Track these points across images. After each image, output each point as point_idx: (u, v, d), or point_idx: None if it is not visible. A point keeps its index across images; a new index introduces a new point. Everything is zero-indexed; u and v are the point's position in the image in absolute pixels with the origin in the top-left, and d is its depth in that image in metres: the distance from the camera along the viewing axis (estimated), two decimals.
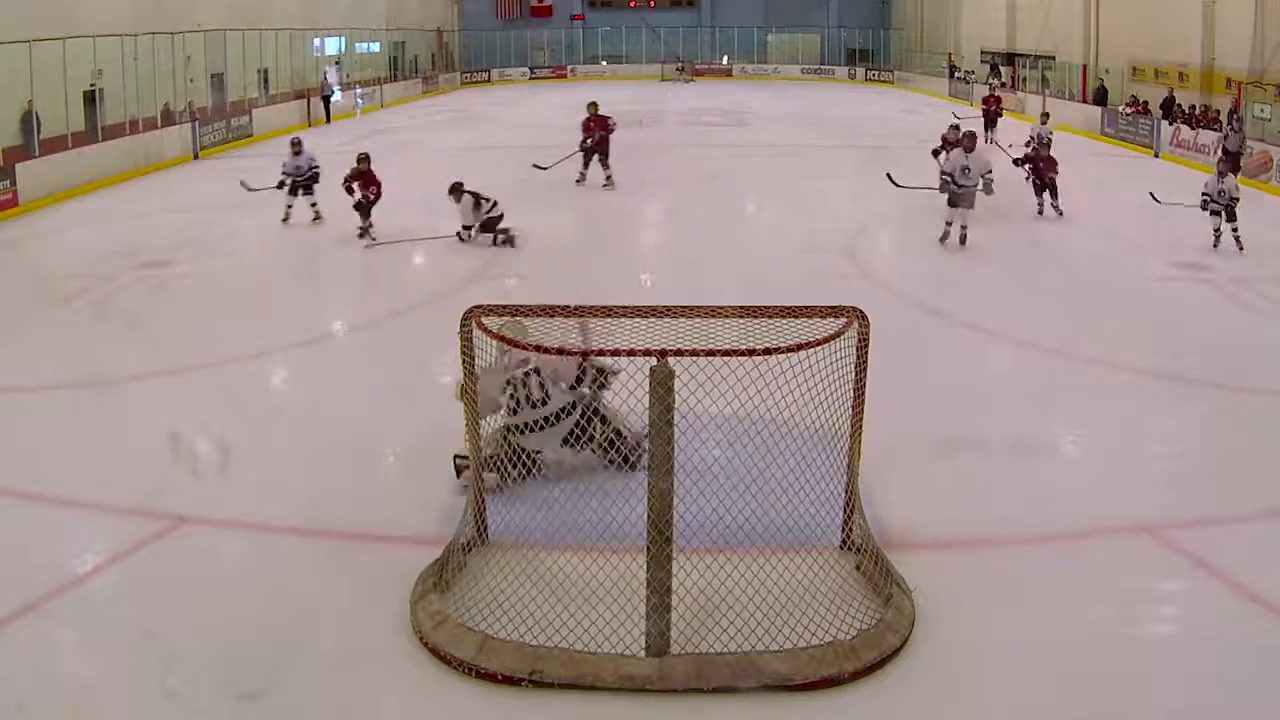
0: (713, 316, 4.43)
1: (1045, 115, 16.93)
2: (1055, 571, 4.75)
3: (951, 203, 11.50)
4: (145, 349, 7.92)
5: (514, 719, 3.79)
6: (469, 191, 11.23)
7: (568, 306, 4.36)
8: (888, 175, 12.44)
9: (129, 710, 3.84)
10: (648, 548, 3.98)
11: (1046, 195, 12.87)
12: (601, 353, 4.17)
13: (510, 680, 3.89)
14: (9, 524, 5.18)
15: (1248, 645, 4.18)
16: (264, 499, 5.40)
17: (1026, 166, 13.24)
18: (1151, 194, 12.23)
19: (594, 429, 5.39)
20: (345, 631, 4.27)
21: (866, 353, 4.45)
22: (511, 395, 5.39)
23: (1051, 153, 13.48)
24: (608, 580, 4.28)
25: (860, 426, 4.56)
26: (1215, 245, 11.26)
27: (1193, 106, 19.86)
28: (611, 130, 14.89)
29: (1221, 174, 11.40)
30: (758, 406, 4.41)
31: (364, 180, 11.53)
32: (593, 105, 15.09)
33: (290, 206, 12.55)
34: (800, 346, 4.15)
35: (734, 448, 4.86)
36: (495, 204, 11.27)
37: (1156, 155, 19.05)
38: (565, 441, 5.38)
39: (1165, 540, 4.95)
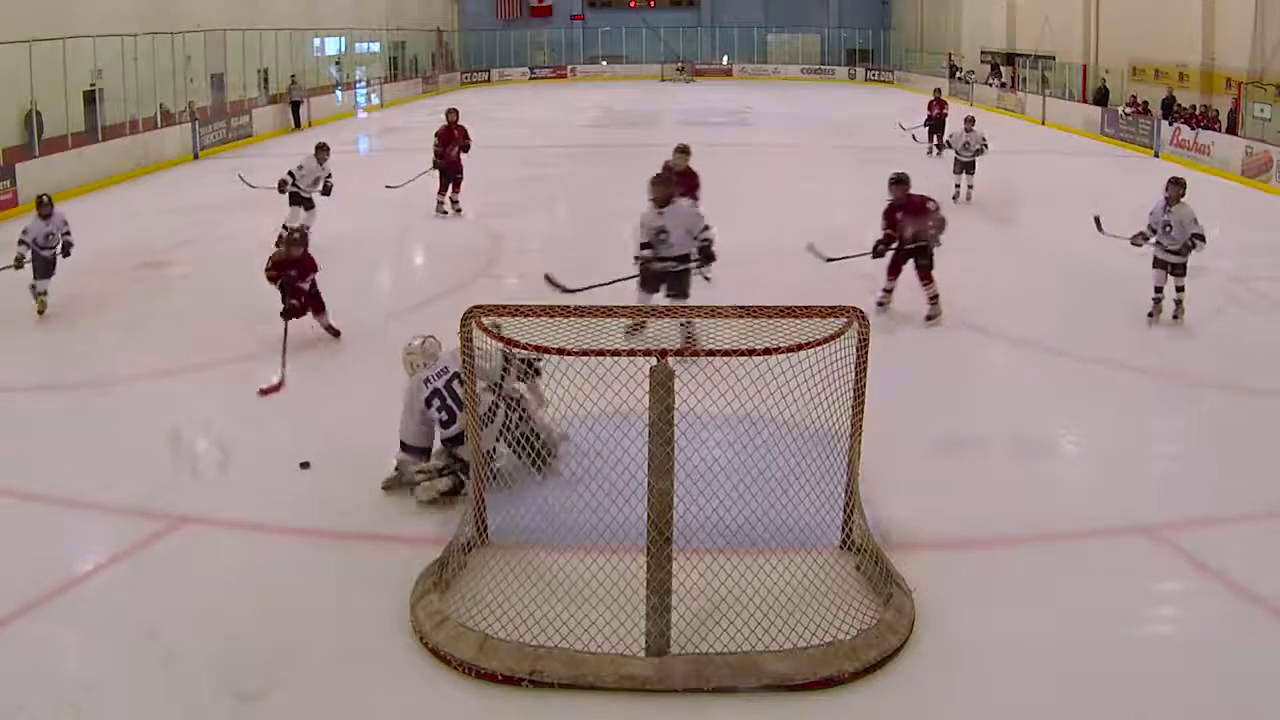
0: (713, 316, 4.44)
1: (970, 120, 14.50)
2: (1055, 571, 4.75)
3: (646, 283, 7.43)
4: (145, 349, 7.92)
5: (514, 719, 3.79)
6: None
7: (568, 307, 4.36)
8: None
9: (129, 710, 3.84)
10: (648, 548, 3.98)
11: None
12: (602, 353, 4.16)
13: (510, 680, 3.89)
14: (9, 524, 5.18)
15: (1247, 645, 4.18)
16: (264, 499, 5.40)
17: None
18: (1096, 219, 9.40)
19: (514, 423, 5.29)
20: (345, 631, 4.27)
21: (866, 353, 4.45)
22: (439, 408, 5.32)
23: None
24: (608, 580, 4.28)
25: (860, 426, 4.56)
26: (1151, 315, 8.39)
27: (1193, 106, 19.86)
28: (467, 148, 12.98)
29: (1170, 200, 8.17)
30: (758, 406, 4.41)
31: (300, 269, 7.66)
32: (452, 113, 13.01)
33: (40, 293, 8.74)
34: (800, 346, 4.16)
35: (734, 448, 4.86)
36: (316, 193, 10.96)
37: (1156, 155, 19.07)
38: (499, 438, 5.28)
39: (1165, 540, 4.95)
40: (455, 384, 5.30)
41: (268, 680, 3.94)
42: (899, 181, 8.41)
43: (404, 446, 5.46)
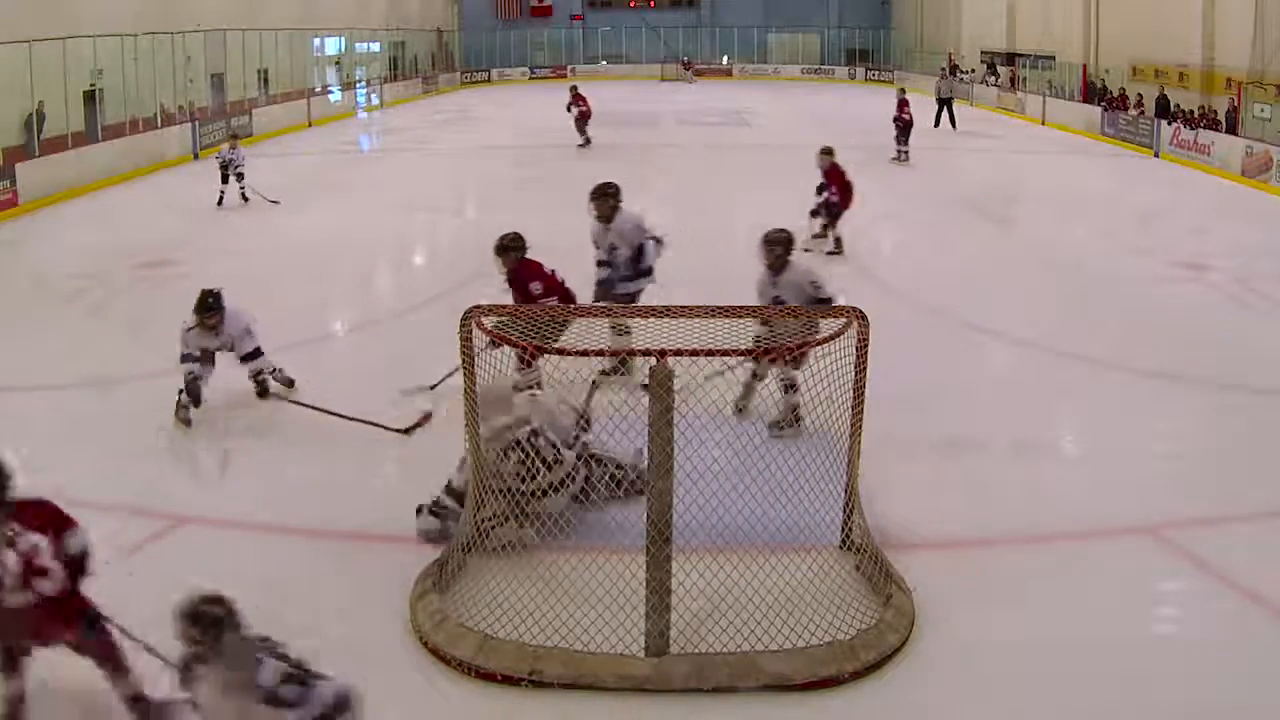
0: (713, 316, 4.43)
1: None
2: (1055, 571, 4.75)
3: None
4: (145, 349, 7.90)
5: (514, 719, 3.79)
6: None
7: (567, 306, 4.36)
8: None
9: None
10: (647, 548, 3.98)
11: None
12: (602, 353, 4.17)
13: (510, 680, 3.89)
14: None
15: (1248, 645, 4.18)
16: (264, 499, 5.40)
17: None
18: None
19: (596, 476, 5.02)
20: (345, 631, 4.27)
21: (866, 353, 4.44)
22: (520, 460, 4.75)
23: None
24: (607, 580, 4.28)
25: (860, 426, 4.56)
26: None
27: (1190, 111, 19.84)
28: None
29: (771, 266, 6.01)
30: (758, 406, 4.41)
31: None
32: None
33: None
34: (800, 346, 4.16)
35: (734, 448, 4.86)
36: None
37: (1157, 155, 19.06)
38: (575, 499, 4.96)
39: (1165, 540, 4.95)
40: (539, 438, 4.78)
41: None
42: None
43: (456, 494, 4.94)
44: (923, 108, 20.66)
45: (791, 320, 4.77)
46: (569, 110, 19.88)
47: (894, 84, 37.84)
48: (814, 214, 10.86)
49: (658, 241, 6.98)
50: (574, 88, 20.45)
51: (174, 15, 20.60)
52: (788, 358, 3.89)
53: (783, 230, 6.09)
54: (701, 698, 3.83)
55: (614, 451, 5.11)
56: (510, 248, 6.32)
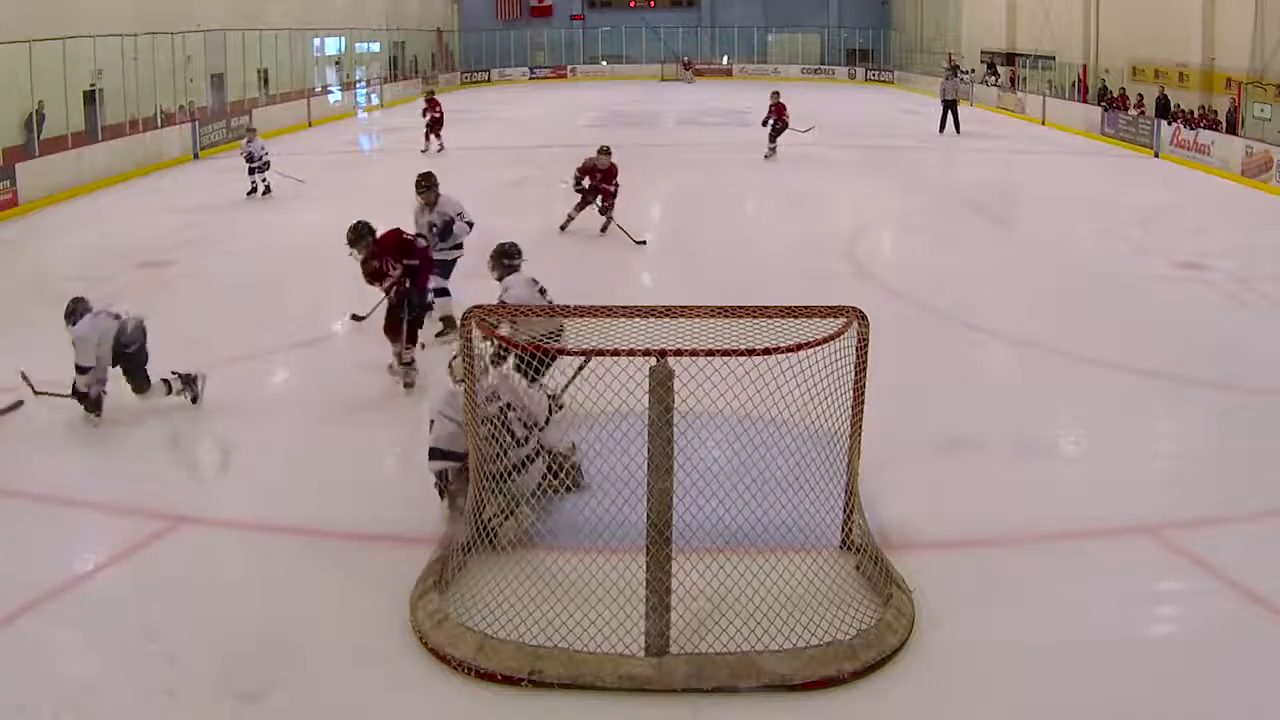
0: (713, 316, 4.43)
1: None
2: (1055, 571, 4.75)
3: None
4: None
5: (514, 719, 3.79)
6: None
7: (568, 306, 4.36)
8: None
9: (129, 710, 3.84)
10: (647, 548, 3.98)
11: None
12: (602, 353, 4.16)
13: (510, 680, 3.89)
14: (9, 524, 5.18)
15: (1248, 645, 4.17)
16: (264, 499, 5.40)
17: None
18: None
19: (555, 465, 5.07)
20: (345, 631, 4.27)
21: (866, 353, 4.44)
22: (489, 435, 4.77)
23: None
24: (608, 580, 4.28)
25: (860, 427, 4.56)
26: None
27: (1190, 111, 19.84)
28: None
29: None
30: (757, 406, 4.41)
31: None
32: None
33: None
34: (800, 346, 4.15)
35: (734, 448, 4.86)
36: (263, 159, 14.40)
37: (1157, 155, 19.06)
38: (541, 487, 4.97)
39: (1165, 540, 4.95)
40: (509, 414, 4.94)
41: (268, 680, 3.94)
42: None
43: (449, 455, 4.99)
44: (923, 109, 20.67)
45: (536, 321, 5.00)
46: (423, 116, 19.22)
47: (894, 83, 38.08)
48: (603, 212, 11.76)
49: (469, 225, 8.42)
50: (429, 93, 20.24)
51: (174, 15, 20.62)
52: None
53: (506, 243, 6.76)
54: (701, 698, 3.83)
55: (551, 442, 5.24)
56: (354, 236, 7.40)
